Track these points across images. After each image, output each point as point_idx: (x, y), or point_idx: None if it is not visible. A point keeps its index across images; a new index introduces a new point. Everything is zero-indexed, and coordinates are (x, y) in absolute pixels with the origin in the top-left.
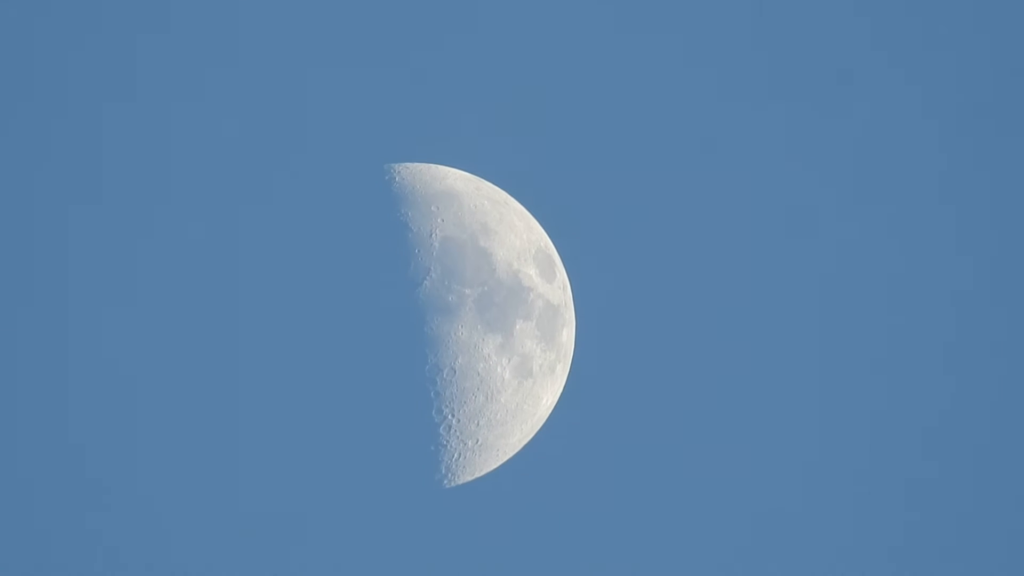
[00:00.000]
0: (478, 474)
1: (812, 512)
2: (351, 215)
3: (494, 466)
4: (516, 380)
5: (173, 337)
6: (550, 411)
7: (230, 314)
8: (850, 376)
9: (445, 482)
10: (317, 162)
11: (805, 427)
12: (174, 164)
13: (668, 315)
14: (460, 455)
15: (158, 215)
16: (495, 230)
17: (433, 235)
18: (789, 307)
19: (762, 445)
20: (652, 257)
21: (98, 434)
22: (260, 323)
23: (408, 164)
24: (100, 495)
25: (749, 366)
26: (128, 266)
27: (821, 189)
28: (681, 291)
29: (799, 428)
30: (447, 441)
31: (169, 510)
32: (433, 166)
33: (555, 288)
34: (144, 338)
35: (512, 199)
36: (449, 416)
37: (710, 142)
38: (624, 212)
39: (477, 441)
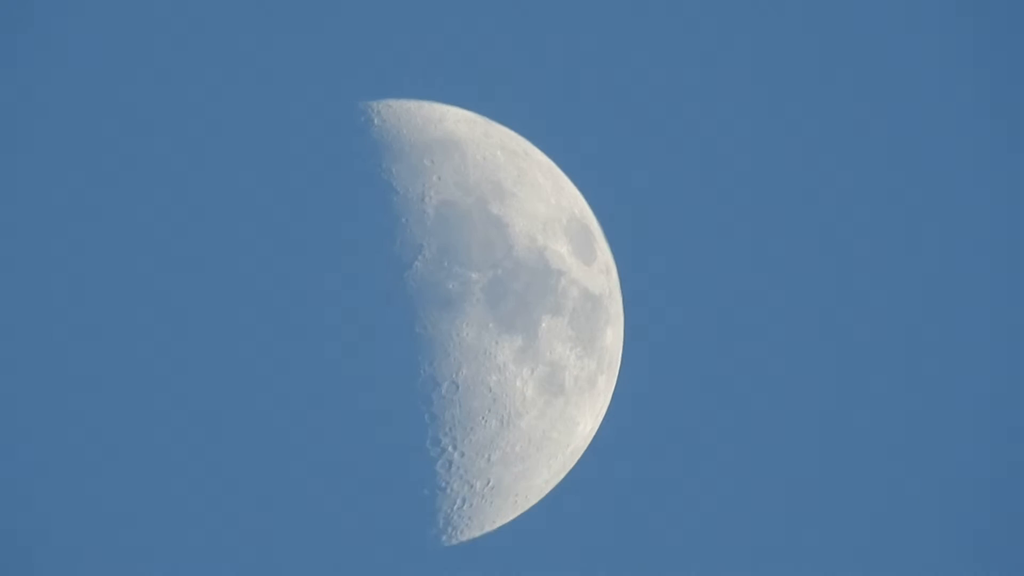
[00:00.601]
0: (489, 528)
1: None
2: (312, 173)
3: (511, 518)
4: (542, 398)
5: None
6: (589, 441)
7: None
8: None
9: (444, 539)
10: (263, 97)
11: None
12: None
13: (754, 308)
14: (465, 502)
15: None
16: (512, 192)
17: (426, 199)
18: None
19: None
20: (731, 229)
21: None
22: (185, 337)
23: (392, 101)
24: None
25: (869, 382)
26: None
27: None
28: (774, 274)
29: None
30: (447, 483)
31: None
32: (426, 104)
33: (595, 272)
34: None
35: (535, 149)
36: (450, 448)
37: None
38: (692, 166)
39: (488, 483)
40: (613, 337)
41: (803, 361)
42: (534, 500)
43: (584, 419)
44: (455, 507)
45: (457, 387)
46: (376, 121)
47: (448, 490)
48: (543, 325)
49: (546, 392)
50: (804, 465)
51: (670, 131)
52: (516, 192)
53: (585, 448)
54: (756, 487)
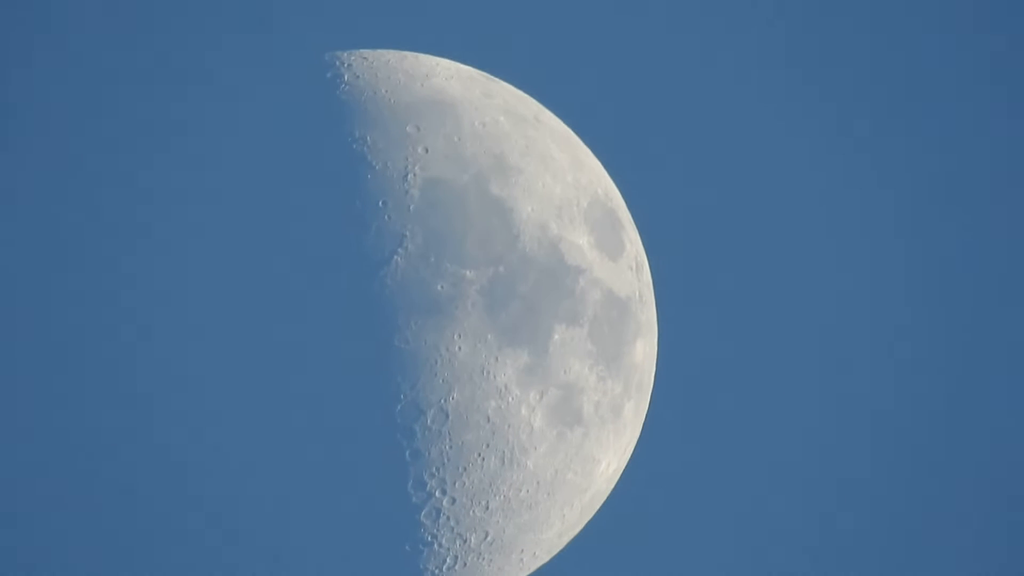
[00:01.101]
0: None
1: None
2: (265, 143)
3: None
4: (555, 430)
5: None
6: (613, 484)
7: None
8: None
9: None
10: (206, 45)
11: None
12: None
13: (821, 318)
14: (457, 560)
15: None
16: (518, 167)
17: (410, 176)
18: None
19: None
20: (796, 215)
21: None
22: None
23: (366, 51)
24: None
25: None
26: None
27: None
28: (848, 275)
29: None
30: (434, 536)
31: None
32: (410, 55)
33: (622, 269)
34: None
35: (548, 112)
36: (437, 493)
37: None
38: (744, 136)
39: (486, 536)
40: (644, 353)
41: (898, 390)
42: (544, 558)
43: (607, 456)
44: (444, 567)
45: (447, 416)
46: (347, 77)
47: (436, 546)
48: (555, 337)
49: (559, 422)
50: (878, 516)
51: (717, 92)
52: (523, 168)
53: (608, 493)
54: (816, 540)
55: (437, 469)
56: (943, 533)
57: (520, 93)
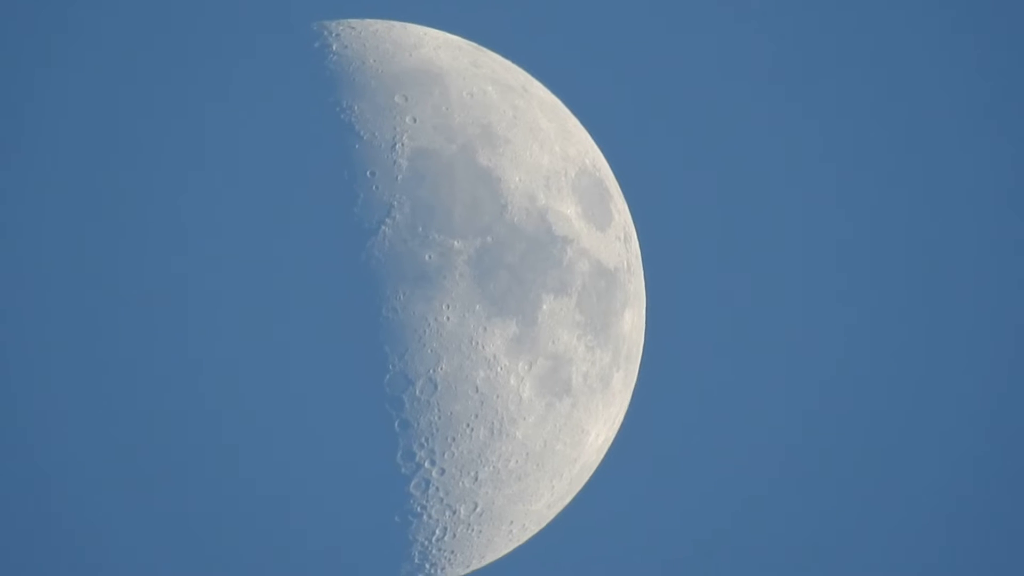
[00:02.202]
0: (477, 565)
1: None
2: (251, 114)
3: (505, 552)
4: (543, 401)
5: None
6: (602, 455)
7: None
8: None
9: None
10: (192, 15)
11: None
12: None
13: (811, 288)
14: (446, 532)
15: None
16: (505, 137)
17: (398, 146)
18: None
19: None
20: (785, 184)
21: None
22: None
23: (354, 21)
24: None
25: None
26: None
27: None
28: (836, 246)
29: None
30: (423, 507)
31: None
32: (398, 25)
33: (610, 239)
34: None
35: (536, 82)
36: (426, 464)
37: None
38: (734, 106)
39: (475, 508)
40: (632, 323)
41: (876, 358)
42: (533, 529)
43: (596, 427)
44: (434, 538)
45: (435, 386)
46: (334, 47)
47: (425, 517)
48: (544, 307)
49: (548, 393)
50: (874, 493)
51: (705, 63)
52: (511, 138)
53: (597, 464)
54: (806, 514)
55: (426, 440)
56: (933, 526)
57: (508, 63)
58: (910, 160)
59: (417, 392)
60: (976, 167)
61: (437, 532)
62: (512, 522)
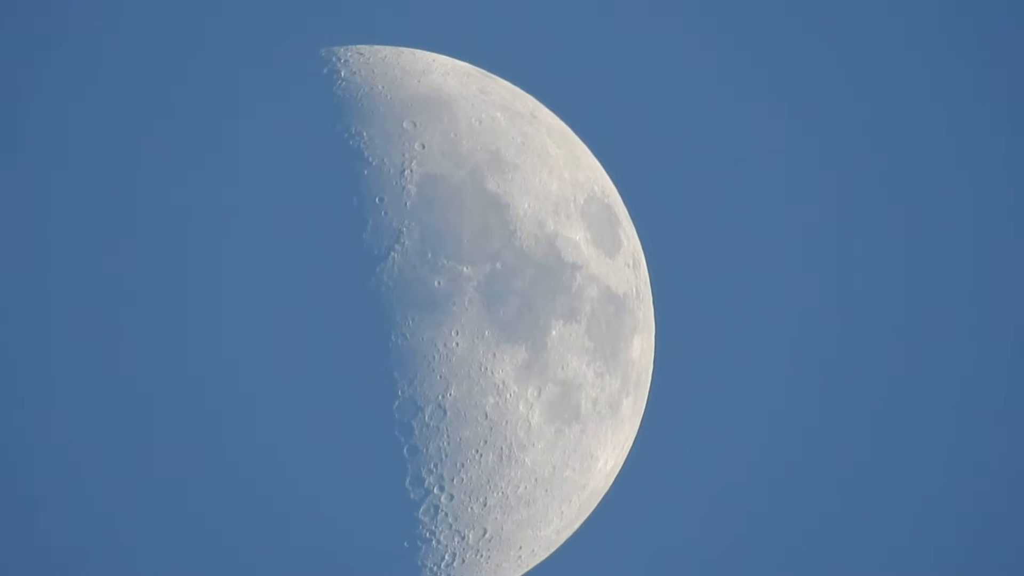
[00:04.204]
0: None
1: None
2: (261, 140)
3: None
4: (552, 427)
5: None
6: (611, 481)
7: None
8: None
9: None
10: (201, 41)
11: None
12: None
13: (821, 315)
14: (455, 557)
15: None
16: (514, 163)
17: (406, 172)
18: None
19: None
20: (793, 212)
21: None
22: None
23: (363, 47)
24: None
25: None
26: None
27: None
28: (848, 272)
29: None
30: (432, 533)
31: None
32: (407, 51)
33: (619, 266)
34: None
35: (544, 108)
36: (435, 490)
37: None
38: (742, 133)
39: (484, 533)
40: (641, 349)
41: (894, 386)
42: (542, 555)
43: (604, 453)
44: (443, 563)
45: (444, 412)
46: (343, 73)
47: (434, 542)
48: (553, 333)
49: (557, 419)
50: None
51: (714, 88)
52: (520, 164)
53: (606, 490)
54: (816, 543)
55: (435, 465)
56: (939, 529)
57: (517, 89)
58: (932, 173)
59: (426, 418)
60: (988, 167)
61: (446, 557)
62: (521, 547)
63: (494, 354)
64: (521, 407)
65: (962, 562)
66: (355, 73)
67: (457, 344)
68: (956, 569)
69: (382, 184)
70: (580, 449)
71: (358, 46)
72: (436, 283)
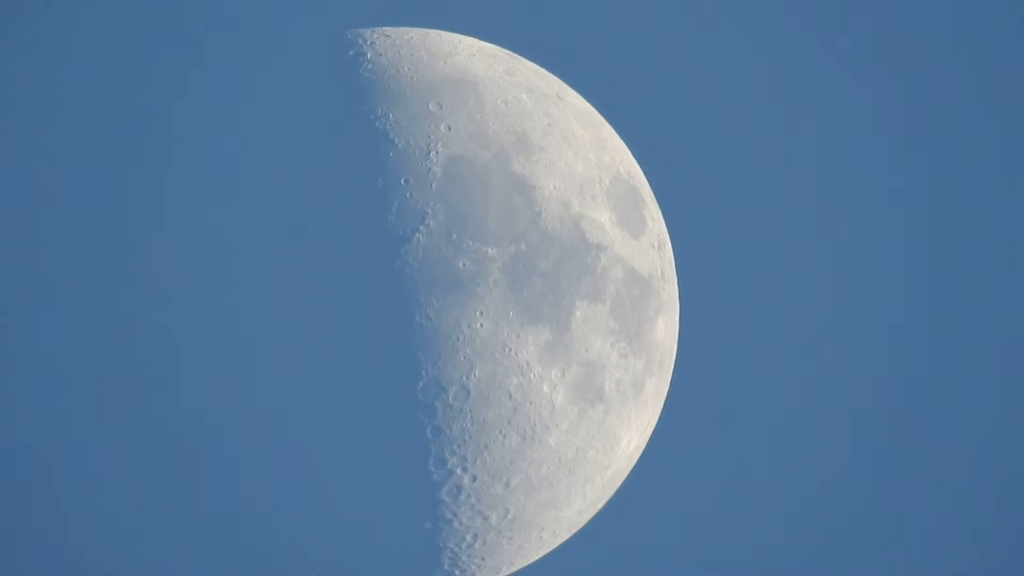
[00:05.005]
0: (507, 571)
1: None
2: (287, 122)
3: (535, 558)
4: (576, 407)
5: None
6: (634, 462)
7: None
8: None
9: None
10: (227, 24)
11: None
12: None
13: (846, 297)
14: (477, 538)
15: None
16: (540, 145)
17: (432, 154)
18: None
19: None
20: (819, 194)
21: None
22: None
23: (389, 29)
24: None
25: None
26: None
27: None
28: (873, 254)
29: None
30: (454, 514)
31: None
32: (432, 33)
33: (644, 247)
34: None
35: (571, 90)
36: (458, 471)
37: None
38: (769, 114)
39: (507, 514)
40: (666, 330)
41: (918, 364)
42: (564, 536)
43: (628, 434)
44: (464, 544)
45: (468, 393)
46: (369, 55)
47: (456, 523)
48: (577, 314)
49: (580, 400)
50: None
51: (741, 69)
52: (546, 146)
53: (629, 471)
54: (841, 523)
55: (458, 446)
56: (955, 531)
57: (542, 71)
58: (956, 164)
59: (450, 399)
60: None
61: (468, 538)
62: (543, 528)
63: (518, 335)
64: (545, 388)
65: (967, 562)
66: (381, 55)
67: (481, 325)
68: (970, 565)
69: (408, 166)
70: (603, 430)
71: (384, 28)
72: (461, 264)
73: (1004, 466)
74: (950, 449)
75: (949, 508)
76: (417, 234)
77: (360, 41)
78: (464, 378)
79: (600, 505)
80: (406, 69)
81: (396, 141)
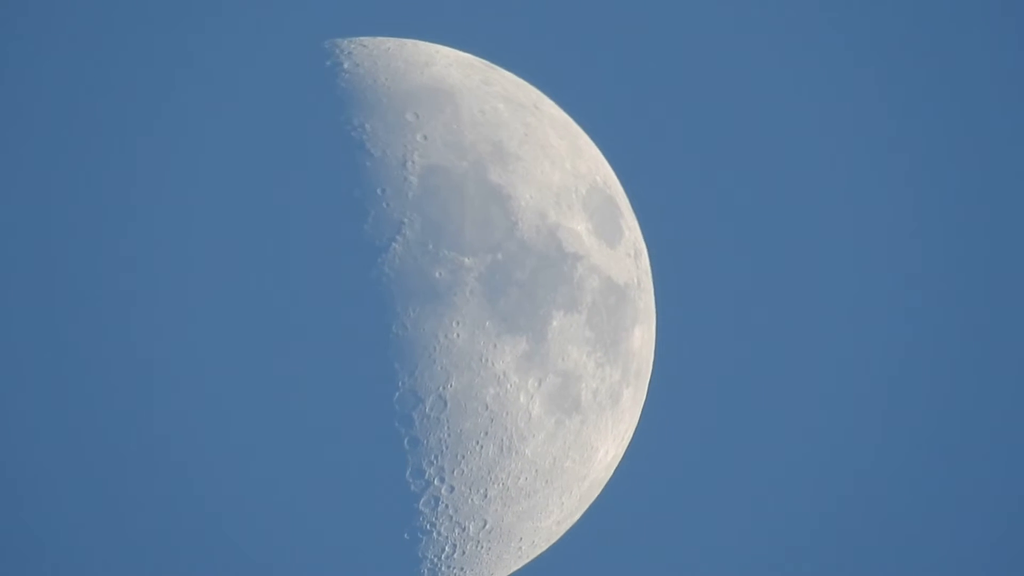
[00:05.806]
0: None
1: None
2: (264, 131)
3: (513, 569)
4: (553, 418)
5: None
6: (612, 472)
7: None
8: None
9: None
10: (204, 32)
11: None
12: None
13: (823, 304)
14: (455, 549)
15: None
16: (517, 154)
17: (408, 164)
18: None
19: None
20: (795, 203)
21: None
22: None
23: (365, 39)
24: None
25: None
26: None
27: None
28: (848, 262)
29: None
30: (433, 524)
31: None
32: (409, 42)
33: (621, 256)
34: None
35: (548, 100)
36: (435, 481)
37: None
38: (746, 123)
39: (484, 525)
40: (642, 339)
41: (894, 374)
42: (542, 546)
43: (605, 444)
44: (443, 555)
45: (445, 404)
46: (346, 64)
47: (434, 534)
48: (554, 324)
49: (557, 410)
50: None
51: (715, 79)
52: (522, 155)
53: (606, 481)
54: (814, 528)
55: (435, 457)
56: (940, 530)
57: (519, 81)
58: (929, 164)
59: (427, 409)
60: (985, 162)
61: (446, 549)
62: (521, 539)
63: (495, 345)
64: (522, 398)
65: (966, 560)
66: (358, 65)
67: (458, 335)
68: (965, 564)
69: (384, 175)
70: (580, 440)
71: (361, 38)
72: (437, 274)
73: (1002, 467)
74: (936, 460)
75: (930, 520)
76: (394, 244)
77: (337, 51)
78: (441, 388)
79: (578, 515)
80: (383, 79)
81: (372, 151)
